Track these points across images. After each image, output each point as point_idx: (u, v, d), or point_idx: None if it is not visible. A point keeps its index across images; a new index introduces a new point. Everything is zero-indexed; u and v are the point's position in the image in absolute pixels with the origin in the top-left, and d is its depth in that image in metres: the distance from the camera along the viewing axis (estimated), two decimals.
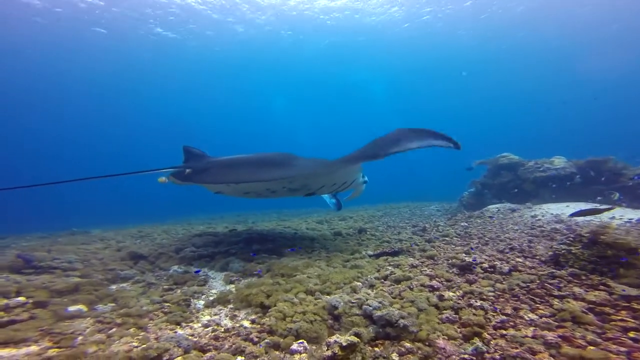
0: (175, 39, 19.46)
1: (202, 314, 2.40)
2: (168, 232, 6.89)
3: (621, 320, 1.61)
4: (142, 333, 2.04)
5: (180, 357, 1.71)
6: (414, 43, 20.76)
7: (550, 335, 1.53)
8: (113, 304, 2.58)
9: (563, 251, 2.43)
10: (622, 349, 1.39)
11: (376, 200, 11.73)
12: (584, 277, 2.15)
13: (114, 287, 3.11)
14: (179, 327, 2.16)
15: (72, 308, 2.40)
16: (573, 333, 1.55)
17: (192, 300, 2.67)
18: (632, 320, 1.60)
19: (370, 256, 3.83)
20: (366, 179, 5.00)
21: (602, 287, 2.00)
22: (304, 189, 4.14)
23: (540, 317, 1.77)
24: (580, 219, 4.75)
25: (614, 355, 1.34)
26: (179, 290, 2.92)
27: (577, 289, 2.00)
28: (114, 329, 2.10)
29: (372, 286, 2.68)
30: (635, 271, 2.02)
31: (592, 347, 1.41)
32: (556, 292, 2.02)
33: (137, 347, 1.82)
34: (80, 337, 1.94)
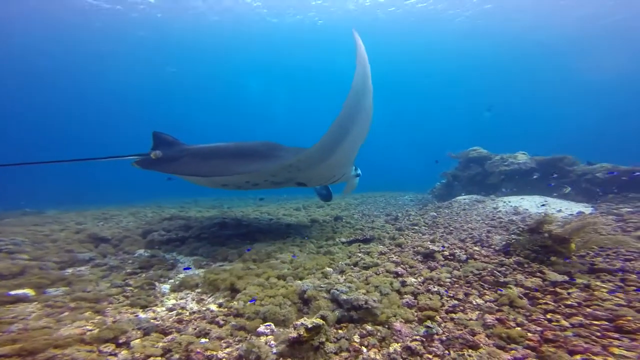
0: (146, 19, 17.73)
1: (167, 298, 2.34)
2: (136, 215, 6.52)
3: (545, 303, 1.86)
4: (99, 317, 1.95)
5: (138, 340, 1.67)
6: (399, 28, 20.50)
7: (490, 318, 1.73)
8: (66, 288, 2.42)
9: (513, 241, 2.69)
10: (539, 328, 1.62)
11: (355, 189, 11.95)
12: (526, 265, 2.41)
13: (69, 270, 2.92)
14: (141, 310, 2.10)
15: (14, 292, 2.22)
16: (508, 316, 1.76)
17: (157, 284, 2.60)
18: (553, 304, 1.86)
19: (343, 243, 3.94)
20: (359, 172, 4.71)
21: (538, 274, 2.26)
22: (289, 182, 3.87)
23: (486, 302, 1.97)
24: (533, 211, 5.26)
25: (531, 334, 1.56)
26: (143, 274, 2.81)
27: (519, 276, 2.24)
28: (65, 313, 1.98)
29: (342, 272, 2.77)
30: (563, 259, 2.31)
31: (518, 328, 1.62)
32: (502, 279, 2.25)
33: (91, 330, 1.74)
34: (22, 322, 1.80)
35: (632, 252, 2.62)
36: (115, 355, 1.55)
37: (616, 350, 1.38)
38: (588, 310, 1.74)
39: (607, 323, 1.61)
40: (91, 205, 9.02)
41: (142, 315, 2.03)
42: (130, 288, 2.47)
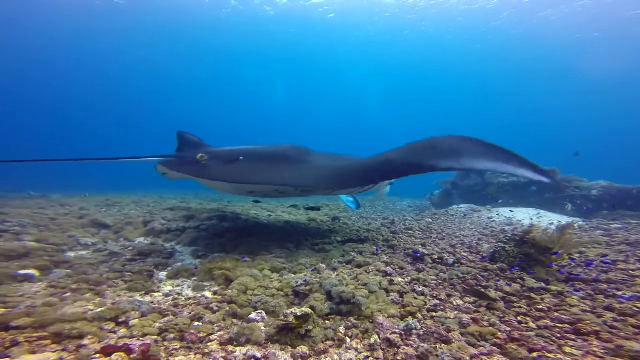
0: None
1: (165, 285, 2.46)
2: (138, 204, 6.67)
3: (519, 307, 1.98)
4: (99, 299, 2.07)
5: (137, 319, 1.78)
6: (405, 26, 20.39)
7: (465, 317, 1.84)
8: (69, 271, 2.55)
9: (499, 248, 2.80)
10: (508, 328, 1.74)
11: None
12: (508, 272, 2.52)
13: (71, 254, 3.04)
14: (139, 294, 2.22)
15: (22, 272, 2.34)
16: (482, 316, 1.87)
17: (155, 271, 2.71)
18: (525, 307, 1.98)
19: (338, 242, 4.05)
20: (392, 180, 4.35)
21: (518, 280, 2.37)
22: (320, 190, 3.66)
23: (466, 303, 2.08)
24: (526, 223, 5.35)
25: (500, 333, 1.68)
26: (142, 262, 2.93)
27: (500, 282, 2.35)
28: (68, 294, 2.11)
29: (335, 269, 2.88)
30: (544, 268, 2.42)
31: (490, 327, 1.74)
32: (484, 283, 2.36)
33: (92, 310, 1.87)
34: (29, 301, 1.93)
35: (608, 264, 2.73)
36: (115, 332, 1.67)
37: (567, 349, 1.51)
38: (556, 314, 1.85)
39: (568, 326, 1.73)
40: (95, 191, 9.18)
41: (139, 298, 2.15)
42: (129, 273, 2.59)
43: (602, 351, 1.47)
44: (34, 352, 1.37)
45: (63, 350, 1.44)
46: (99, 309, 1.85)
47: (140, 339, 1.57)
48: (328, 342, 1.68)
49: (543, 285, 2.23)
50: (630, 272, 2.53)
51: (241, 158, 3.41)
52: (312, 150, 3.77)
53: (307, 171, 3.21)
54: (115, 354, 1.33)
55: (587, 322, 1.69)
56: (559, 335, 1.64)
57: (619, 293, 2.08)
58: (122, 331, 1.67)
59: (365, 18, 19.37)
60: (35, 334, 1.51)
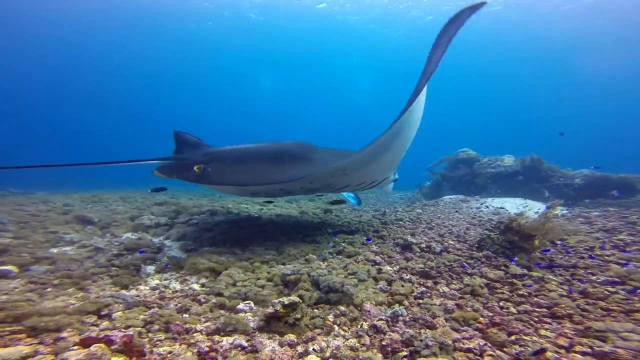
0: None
1: (152, 279, 2.42)
2: (125, 200, 6.51)
3: (501, 293, 2.06)
4: (82, 293, 2.02)
5: (120, 312, 1.75)
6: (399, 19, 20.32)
7: (450, 303, 1.90)
8: (51, 267, 2.47)
9: (484, 236, 2.87)
10: (490, 313, 1.82)
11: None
12: (493, 259, 2.60)
13: (54, 250, 2.95)
14: (124, 289, 2.18)
15: None
16: (467, 302, 1.94)
17: (142, 265, 2.66)
18: (508, 293, 2.06)
19: (329, 233, 4.07)
20: (397, 176, 4.38)
21: (502, 267, 2.45)
22: (326, 189, 3.57)
23: (451, 290, 2.14)
24: (513, 212, 5.49)
25: (482, 318, 1.75)
26: (129, 256, 2.87)
27: (485, 269, 2.42)
28: (49, 289, 2.04)
29: (325, 259, 2.89)
30: (526, 254, 2.51)
31: (473, 312, 1.80)
32: (470, 270, 2.42)
33: (74, 304, 1.82)
34: (5, 296, 1.86)
35: (587, 250, 2.85)
36: (97, 325, 1.63)
37: (543, 332, 1.60)
38: (535, 299, 1.93)
39: (546, 310, 1.81)
40: (81, 188, 8.90)
41: (124, 292, 2.11)
42: (115, 268, 2.53)
43: (572, 332, 1.55)
44: (5, 346, 1.33)
45: (39, 343, 1.40)
46: (81, 303, 1.80)
47: (123, 330, 1.54)
48: (316, 330, 1.69)
49: (525, 271, 2.31)
50: (605, 257, 2.65)
51: (243, 160, 3.29)
52: (316, 147, 3.64)
53: (313, 167, 3.07)
54: (95, 345, 1.30)
55: (563, 305, 1.78)
56: (536, 319, 1.71)
57: (594, 278, 2.17)
58: (105, 324, 1.64)
59: (354, 7, 19.03)
60: (7, 328, 1.46)
